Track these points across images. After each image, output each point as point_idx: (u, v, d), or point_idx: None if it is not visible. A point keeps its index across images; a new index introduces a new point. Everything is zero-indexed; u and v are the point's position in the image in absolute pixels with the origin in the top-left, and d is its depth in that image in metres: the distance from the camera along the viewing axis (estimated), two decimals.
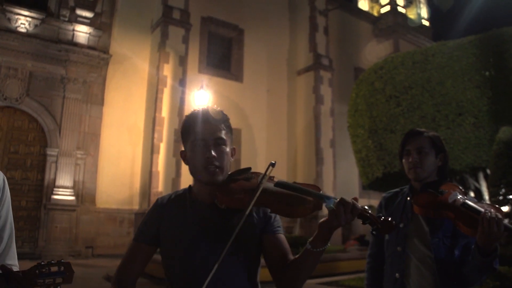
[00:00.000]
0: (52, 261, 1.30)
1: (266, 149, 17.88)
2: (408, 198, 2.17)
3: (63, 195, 12.58)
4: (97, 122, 14.03)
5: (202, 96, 11.35)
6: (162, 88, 14.31)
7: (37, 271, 1.27)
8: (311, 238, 1.43)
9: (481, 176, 9.46)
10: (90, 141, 13.77)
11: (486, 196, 8.72)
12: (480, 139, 8.60)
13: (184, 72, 14.93)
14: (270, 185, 1.50)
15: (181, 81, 14.72)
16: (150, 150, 13.93)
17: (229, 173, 1.62)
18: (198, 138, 1.56)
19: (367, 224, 1.42)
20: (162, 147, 13.97)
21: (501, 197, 6.79)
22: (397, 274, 2.09)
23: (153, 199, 13.37)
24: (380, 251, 2.29)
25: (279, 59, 19.30)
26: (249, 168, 1.65)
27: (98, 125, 14.04)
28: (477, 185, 9.58)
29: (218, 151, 1.55)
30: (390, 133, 9.66)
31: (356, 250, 11.18)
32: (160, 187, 13.65)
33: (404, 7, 25.04)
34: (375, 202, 11.20)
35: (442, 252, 1.98)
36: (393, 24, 23.29)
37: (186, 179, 14.72)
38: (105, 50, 14.42)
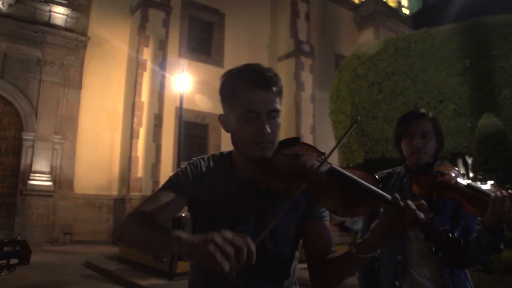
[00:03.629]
0: (6, 240, 1.13)
1: None
2: (404, 180, 2.09)
3: (40, 180, 12.32)
4: (74, 106, 13.74)
5: (182, 80, 11.18)
6: (141, 72, 14.08)
7: None
8: (359, 241, 1.23)
9: (460, 162, 9.58)
10: (68, 126, 13.50)
11: None
12: (461, 126, 8.68)
13: (164, 56, 14.71)
14: (322, 170, 1.26)
15: (161, 65, 14.51)
16: (130, 135, 13.73)
17: None
18: (249, 110, 1.30)
19: (430, 242, 1.16)
20: (142, 132, 13.78)
21: (479, 183, 6.88)
22: (399, 257, 1.99)
23: (133, 185, 13.22)
24: None
25: (260, 45, 19.16)
26: (298, 139, 1.42)
27: (76, 109, 13.76)
28: None
29: (272, 125, 1.31)
30: (372, 120, 9.69)
31: (337, 236, 11.22)
32: (140, 172, 13.48)
33: None
34: None
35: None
36: (373, 11, 23.30)
37: (166, 165, 14.59)
38: (83, 33, 14.09)
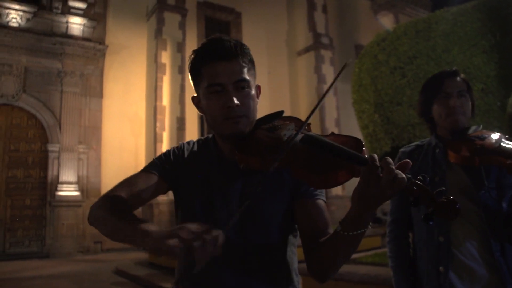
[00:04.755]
0: None
1: None
2: (437, 151, 1.87)
3: (68, 191, 12.41)
4: (97, 115, 13.81)
5: None
6: (161, 76, 14.06)
7: None
8: (343, 217, 1.07)
9: None
10: (92, 135, 13.57)
11: None
12: (490, 105, 8.34)
13: (182, 59, 14.65)
14: (297, 139, 1.12)
15: (180, 68, 14.47)
16: (153, 140, 13.72)
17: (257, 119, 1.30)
18: (213, 83, 1.21)
19: (418, 206, 0.97)
20: (165, 136, 13.76)
21: None
22: (440, 238, 1.74)
23: None
24: (404, 215, 1.97)
25: (278, 41, 18.98)
26: (281, 112, 1.31)
27: (98, 118, 13.82)
28: None
29: (241, 97, 1.21)
30: (396, 106, 9.42)
31: (369, 228, 10.96)
32: None
33: None
34: None
35: (491, 206, 1.68)
36: None
37: None
38: (101, 41, 14.15)
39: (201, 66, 1.26)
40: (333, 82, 1.20)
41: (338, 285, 4.68)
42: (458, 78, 1.84)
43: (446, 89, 1.82)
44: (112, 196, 1.22)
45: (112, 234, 1.13)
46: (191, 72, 1.31)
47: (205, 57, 1.25)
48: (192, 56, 1.31)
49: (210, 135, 1.42)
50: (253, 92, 1.27)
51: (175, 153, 1.38)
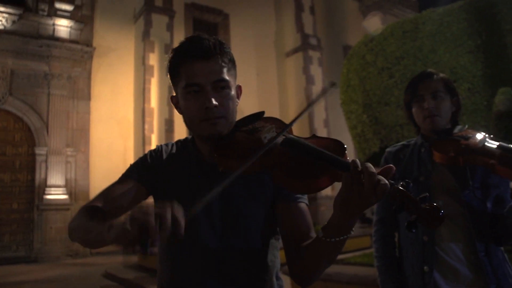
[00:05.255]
0: None
1: None
2: (423, 150, 1.88)
3: (56, 194, 12.28)
4: (85, 117, 13.69)
5: None
6: (149, 78, 14.00)
7: None
8: (325, 223, 1.03)
9: None
10: (80, 137, 13.46)
11: None
12: (476, 105, 8.41)
13: None
14: (278, 142, 1.08)
15: None
16: (142, 142, 13.64)
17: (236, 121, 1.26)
18: (191, 83, 1.17)
19: (402, 213, 0.93)
20: (154, 138, 13.70)
21: None
22: (425, 237, 1.75)
23: None
24: (390, 215, 1.97)
25: (267, 42, 18.99)
26: (262, 113, 1.26)
27: (86, 120, 13.71)
28: None
29: (220, 98, 1.18)
30: (384, 106, 9.47)
31: (357, 228, 10.99)
32: None
33: None
34: None
35: (476, 206, 1.69)
36: None
37: None
38: (88, 43, 14.05)
39: (179, 65, 1.22)
40: (318, 98, 1.18)
41: (327, 285, 4.69)
42: (435, 77, 1.85)
43: (420, 92, 1.84)
44: (89, 207, 1.17)
45: (85, 236, 1.09)
46: (169, 71, 1.27)
47: (183, 56, 1.21)
48: (171, 54, 1.27)
49: (190, 136, 1.39)
50: (233, 92, 1.24)
51: (152, 156, 1.35)
